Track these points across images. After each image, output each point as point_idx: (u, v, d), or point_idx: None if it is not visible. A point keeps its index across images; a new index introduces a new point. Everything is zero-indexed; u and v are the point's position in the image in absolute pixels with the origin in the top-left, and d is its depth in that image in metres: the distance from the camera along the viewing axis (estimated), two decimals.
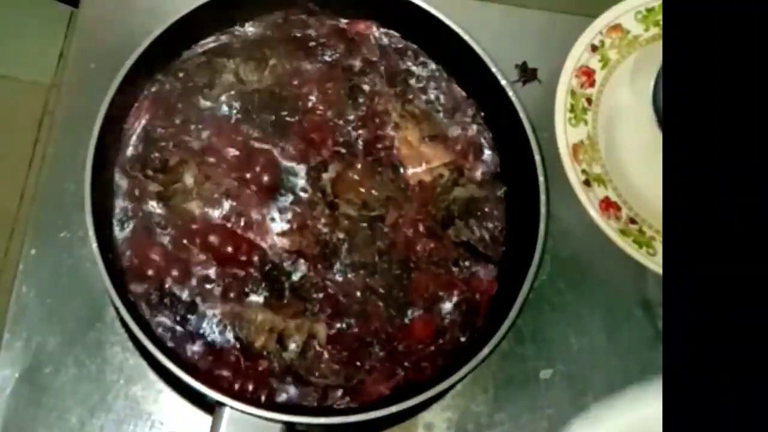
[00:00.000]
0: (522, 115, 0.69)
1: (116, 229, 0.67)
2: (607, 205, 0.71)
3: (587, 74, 0.75)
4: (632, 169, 0.74)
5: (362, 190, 0.70)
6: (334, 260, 0.68)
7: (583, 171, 0.72)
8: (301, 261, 0.68)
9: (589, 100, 0.75)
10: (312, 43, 0.74)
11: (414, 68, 0.75)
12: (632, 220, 0.71)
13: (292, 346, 0.65)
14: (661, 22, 0.77)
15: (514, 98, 0.70)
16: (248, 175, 0.69)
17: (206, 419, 0.65)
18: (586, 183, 0.72)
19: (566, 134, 0.73)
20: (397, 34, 0.75)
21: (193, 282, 0.66)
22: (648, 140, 0.74)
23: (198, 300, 0.66)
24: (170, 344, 0.65)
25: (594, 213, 0.70)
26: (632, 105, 0.76)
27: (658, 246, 0.70)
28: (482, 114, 0.74)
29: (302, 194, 0.69)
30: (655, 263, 0.69)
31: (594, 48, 0.75)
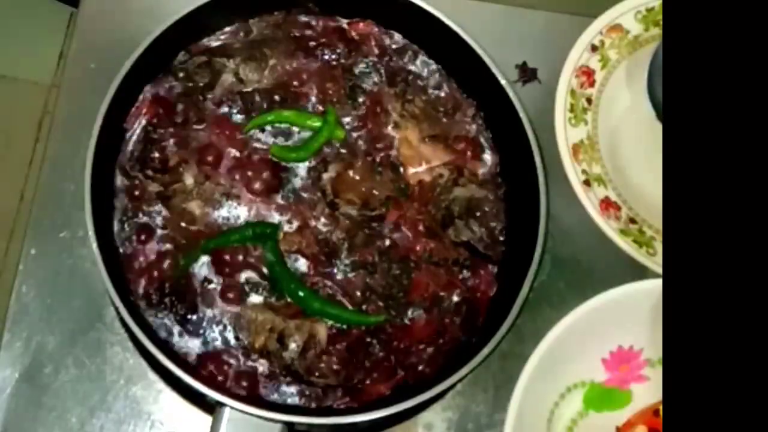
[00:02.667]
0: (522, 115, 0.69)
1: (116, 229, 0.67)
2: (607, 205, 0.71)
3: (587, 74, 0.75)
4: (632, 170, 0.74)
5: (362, 189, 0.70)
6: (335, 260, 0.68)
7: (583, 171, 0.72)
8: (302, 261, 0.68)
9: (589, 100, 0.75)
10: (312, 43, 0.74)
11: (414, 68, 0.75)
12: (632, 220, 0.71)
13: (293, 346, 0.65)
14: (661, 22, 0.77)
15: (514, 98, 0.70)
16: (248, 175, 0.69)
17: (206, 419, 0.65)
18: (586, 183, 0.71)
19: (566, 134, 0.72)
20: (397, 34, 0.75)
21: (194, 282, 0.66)
22: (648, 141, 0.74)
23: (198, 300, 0.66)
24: (170, 344, 0.65)
25: (594, 213, 0.70)
26: (632, 105, 0.76)
27: (658, 246, 0.70)
28: (482, 114, 0.74)
29: (303, 194, 0.69)
30: (655, 263, 0.69)
31: (594, 48, 0.75)
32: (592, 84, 0.75)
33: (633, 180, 0.74)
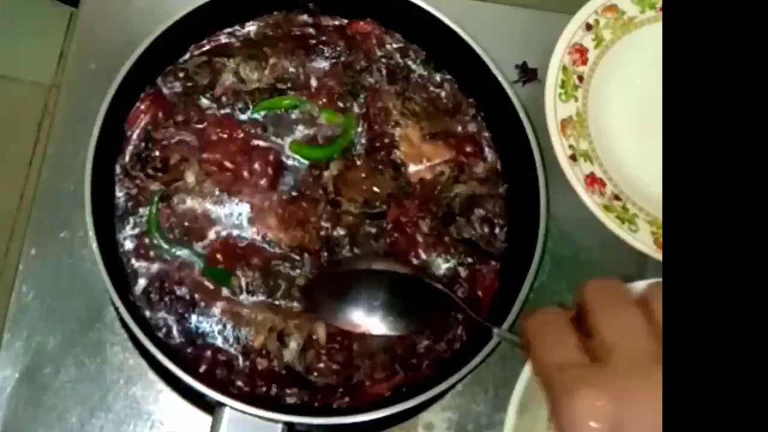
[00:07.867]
0: (522, 115, 0.69)
1: (116, 229, 0.67)
2: (592, 180, 0.71)
3: (580, 52, 0.75)
4: (619, 149, 0.74)
5: (364, 188, 0.70)
6: (336, 258, 0.68)
7: (570, 146, 0.72)
8: (304, 257, 0.68)
9: (580, 78, 0.75)
10: (312, 41, 0.74)
11: (414, 67, 0.75)
12: (616, 197, 0.71)
13: (292, 345, 0.65)
14: (657, 5, 0.77)
15: (514, 98, 0.70)
16: (249, 174, 0.69)
17: (206, 419, 0.65)
18: (573, 158, 0.71)
19: (555, 109, 0.72)
20: (397, 33, 0.75)
21: (193, 281, 0.66)
22: (638, 122, 0.75)
23: (198, 299, 0.66)
24: (170, 344, 0.65)
25: (579, 187, 0.70)
26: (624, 86, 0.76)
27: (641, 223, 0.70)
28: (482, 114, 0.74)
29: (304, 192, 0.69)
30: (637, 239, 0.69)
31: (588, 27, 0.76)
32: (584, 62, 0.75)
33: (621, 159, 0.74)
